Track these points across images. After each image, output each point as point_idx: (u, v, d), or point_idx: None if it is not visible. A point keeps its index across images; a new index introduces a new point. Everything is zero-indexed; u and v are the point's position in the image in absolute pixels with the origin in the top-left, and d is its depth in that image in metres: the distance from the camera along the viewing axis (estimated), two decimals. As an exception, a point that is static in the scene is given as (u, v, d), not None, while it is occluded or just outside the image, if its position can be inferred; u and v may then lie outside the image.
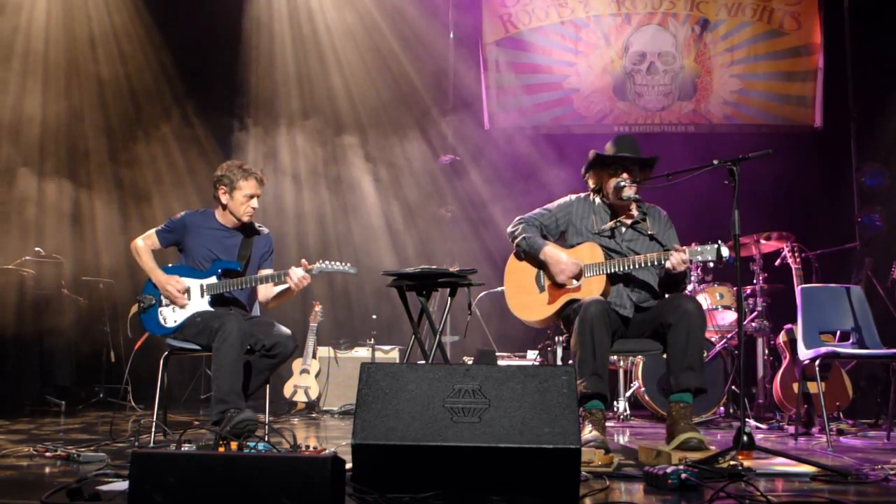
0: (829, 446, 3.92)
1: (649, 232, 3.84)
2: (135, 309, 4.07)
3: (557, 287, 3.76)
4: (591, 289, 3.68)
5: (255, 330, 3.93)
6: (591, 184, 3.96)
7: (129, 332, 4.27)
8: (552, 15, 7.80)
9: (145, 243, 4.11)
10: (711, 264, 5.53)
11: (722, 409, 5.54)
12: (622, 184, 3.76)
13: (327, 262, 4.08)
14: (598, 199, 3.92)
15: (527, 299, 3.85)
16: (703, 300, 5.83)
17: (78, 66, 7.18)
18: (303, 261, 4.05)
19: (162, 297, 4.03)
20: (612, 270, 3.68)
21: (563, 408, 2.41)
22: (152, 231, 4.16)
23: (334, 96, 7.82)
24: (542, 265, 3.81)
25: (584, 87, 7.73)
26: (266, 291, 4.27)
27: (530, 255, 3.83)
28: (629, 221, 3.86)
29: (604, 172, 3.87)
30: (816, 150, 7.29)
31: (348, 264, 4.12)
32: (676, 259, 3.53)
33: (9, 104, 6.70)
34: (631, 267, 3.66)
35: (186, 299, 4.01)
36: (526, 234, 3.84)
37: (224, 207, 4.14)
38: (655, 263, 3.64)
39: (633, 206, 3.85)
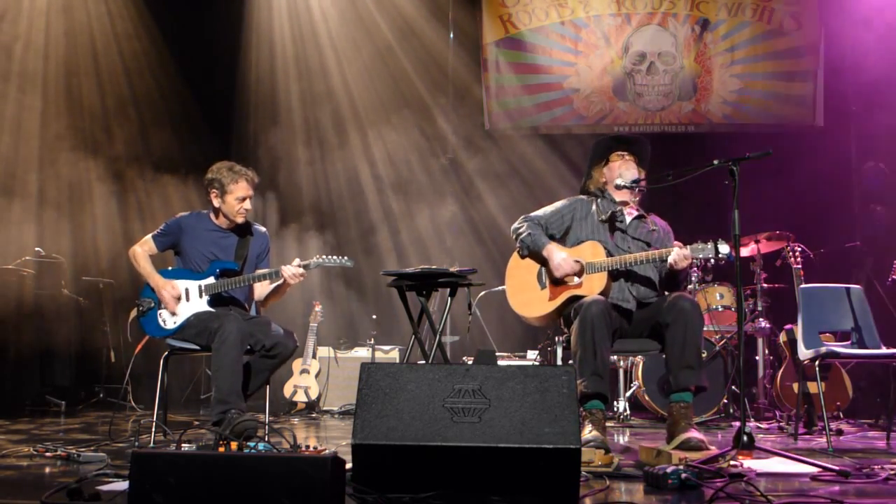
0: (829, 446, 3.92)
1: (651, 228, 3.87)
2: (134, 313, 4.08)
3: (559, 284, 3.77)
4: (593, 286, 3.68)
5: (255, 330, 3.93)
6: (591, 187, 3.99)
7: (129, 337, 4.27)
8: (552, 15, 7.80)
9: (142, 249, 4.11)
10: (712, 262, 5.54)
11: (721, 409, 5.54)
12: (619, 174, 3.84)
13: (324, 257, 4.09)
14: (602, 200, 3.95)
15: (528, 296, 3.86)
16: (703, 300, 5.84)
17: (78, 65, 7.18)
18: (296, 259, 4.06)
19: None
20: (614, 268, 3.69)
21: (563, 408, 2.41)
22: (149, 236, 4.16)
23: (334, 96, 7.82)
24: (544, 262, 3.82)
25: (584, 87, 7.73)
26: (261, 290, 4.27)
27: (533, 252, 3.85)
28: (633, 214, 3.88)
29: (601, 167, 3.95)
30: (816, 149, 7.28)
31: (345, 258, 4.12)
32: (678, 255, 3.55)
33: (9, 104, 6.70)
34: (632, 264, 3.67)
35: (180, 305, 4.00)
36: (530, 230, 3.86)
37: (217, 210, 4.14)
38: (657, 260, 3.65)
39: (634, 199, 3.88)
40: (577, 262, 3.74)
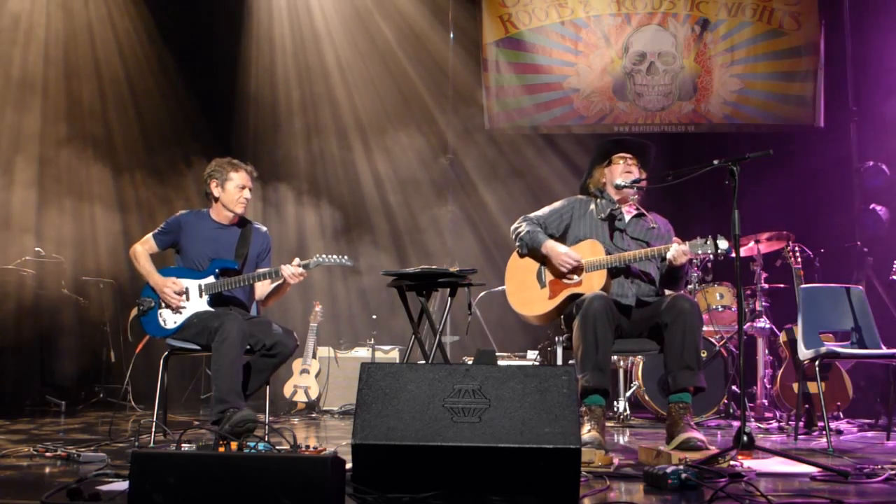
0: (829, 446, 3.92)
1: (651, 226, 3.87)
2: (134, 312, 4.07)
3: (559, 283, 3.78)
4: (592, 284, 3.69)
5: (255, 330, 3.92)
6: (591, 187, 4.00)
7: (130, 336, 4.27)
8: (552, 15, 7.80)
9: (143, 248, 4.12)
10: (711, 259, 5.54)
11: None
12: (619, 175, 3.83)
13: (323, 256, 4.09)
14: (601, 200, 3.96)
15: (528, 295, 3.87)
16: (703, 300, 5.83)
17: (79, 65, 7.19)
18: (295, 259, 4.06)
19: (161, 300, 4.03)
20: (613, 265, 3.69)
21: (563, 408, 2.41)
22: (149, 235, 4.16)
23: (334, 96, 7.82)
24: (543, 260, 3.83)
25: (584, 87, 7.74)
26: (262, 289, 4.27)
27: (532, 250, 3.86)
28: (633, 212, 3.88)
29: (603, 168, 3.96)
30: (816, 149, 7.29)
31: (345, 257, 4.13)
32: (677, 251, 3.56)
33: (10, 104, 6.70)
34: (631, 261, 3.67)
35: (185, 301, 4.00)
36: (529, 229, 3.87)
37: (216, 200, 4.15)
38: (656, 257, 3.66)
39: (634, 197, 3.88)
40: (576, 257, 3.75)
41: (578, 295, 3.66)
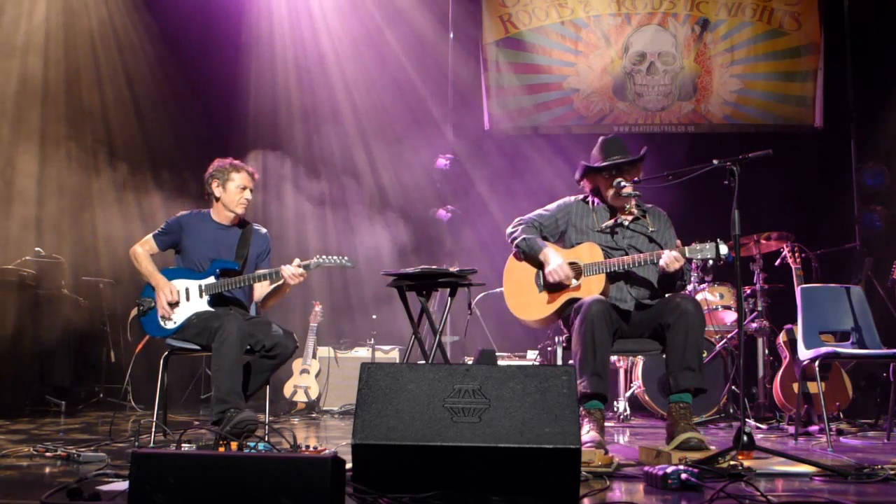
0: (829, 446, 3.92)
1: (650, 230, 3.85)
2: (135, 312, 4.08)
3: (557, 286, 3.76)
4: (591, 288, 3.68)
5: (255, 330, 3.92)
6: (587, 188, 3.97)
7: (130, 336, 4.28)
8: (552, 15, 7.80)
9: (143, 249, 4.12)
10: (711, 263, 5.53)
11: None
12: (622, 183, 3.76)
13: (324, 257, 4.09)
14: (596, 201, 3.93)
15: (526, 299, 3.85)
16: (703, 300, 5.83)
17: (79, 65, 7.19)
18: (295, 260, 4.06)
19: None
20: (612, 269, 3.68)
21: (563, 408, 2.41)
22: (149, 236, 4.17)
23: (334, 97, 7.82)
24: (541, 266, 3.81)
25: (584, 87, 7.74)
26: (261, 290, 4.28)
27: (530, 256, 3.83)
28: (630, 218, 3.86)
29: (598, 178, 3.89)
30: (816, 150, 7.29)
31: (345, 258, 4.13)
32: (668, 258, 3.53)
33: (10, 104, 6.70)
34: (630, 265, 3.66)
35: (180, 306, 4.00)
36: (526, 234, 3.84)
37: (217, 200, 4.17)
38: (654, 261, 3.64)
39: (633, 204, 3.85)
40: (574, 264, 3.73)
41: (577, 299, 3.64)
